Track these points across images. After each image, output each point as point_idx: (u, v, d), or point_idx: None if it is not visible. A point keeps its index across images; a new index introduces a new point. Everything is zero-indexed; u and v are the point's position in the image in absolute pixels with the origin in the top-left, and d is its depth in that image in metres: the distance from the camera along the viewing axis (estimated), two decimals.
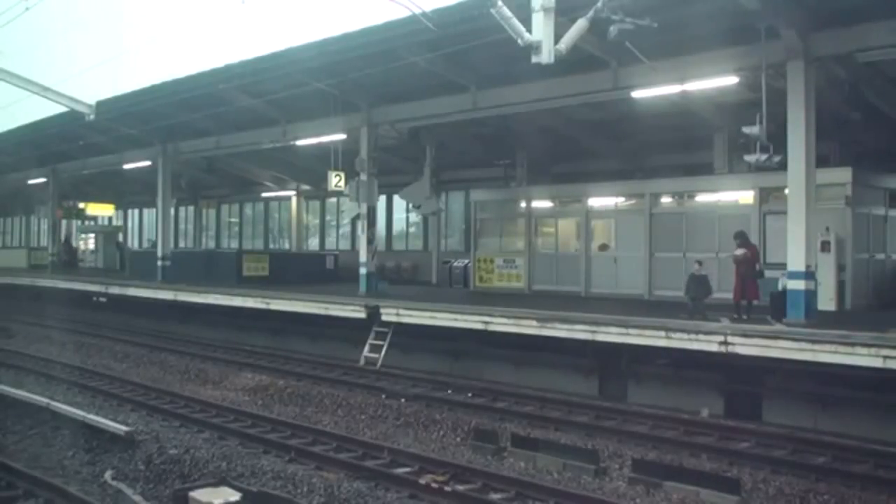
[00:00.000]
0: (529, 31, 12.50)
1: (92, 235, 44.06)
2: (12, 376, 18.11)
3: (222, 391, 17.28)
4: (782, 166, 14.68)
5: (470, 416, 14.11)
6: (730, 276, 16.38)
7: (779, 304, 14.70)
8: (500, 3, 12.57)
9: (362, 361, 18.96)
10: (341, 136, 22.63)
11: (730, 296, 15.90)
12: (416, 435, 13.45)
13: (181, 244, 42.73)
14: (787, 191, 15.11)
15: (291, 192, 37.00)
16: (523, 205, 24.60)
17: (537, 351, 16.83)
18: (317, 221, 37.76)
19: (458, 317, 17.54)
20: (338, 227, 36.01)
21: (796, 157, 14.32)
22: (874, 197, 19.19)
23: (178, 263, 30.14)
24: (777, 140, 14.52)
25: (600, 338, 14.99)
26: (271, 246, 39.56)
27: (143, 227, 47.12)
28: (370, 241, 22.60)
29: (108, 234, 44.02)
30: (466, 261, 26.38)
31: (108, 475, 10.54)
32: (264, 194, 38.45)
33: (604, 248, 23.01)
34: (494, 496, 9.90)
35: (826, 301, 16.73)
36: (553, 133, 23.28)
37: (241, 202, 40.88)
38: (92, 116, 24.57)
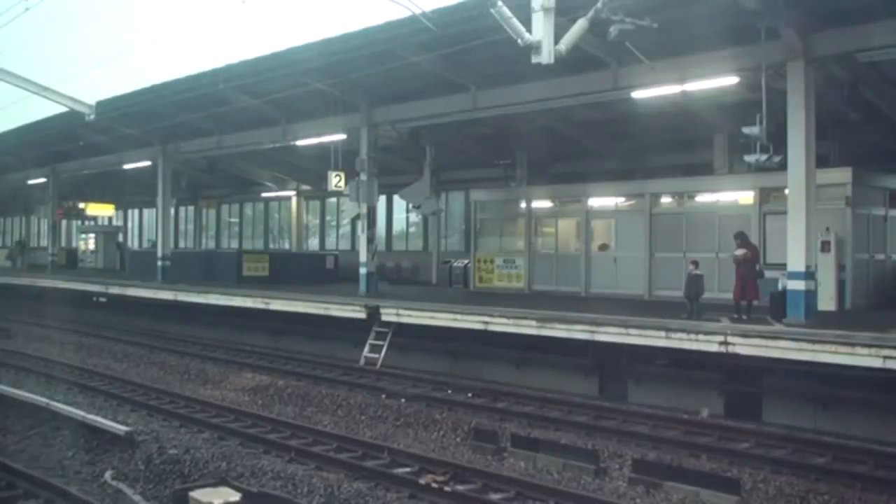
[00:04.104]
0: (529, 31, 12.51)
1: (92, 236, 44.04)
2: (12, 376, 18.12)
3: (222, 391, 17.28)
4: (782, 166, 14.67)
5: (470, 416, 14.10)
6: (730, 276, 16.38)
7: (779, 305, 14.72)
8: (500, 3, 12.58)
9: (362, 361, 18.96)
10: (341, 136, 22.61)
11: (730, 296, 15.91)
12: (416, 435, 13.45)
13: (181, 244, 42.72)
14: (787, 191, 15.11)
15: (291, 192, 36.99)
16: (523, 205, 24.60)
17: (537, 351, 16.84)
18: (317, 221, 37.75)
19: (458, 317, 17.54)
20: (338, 227, 36.00)
21: (796, 157, 14.32)
22: (874, 197, 19.19)
23: (178, 263, 30.14)
24: (777, 140, 14.51)
25: (600, 338, 15.00)
26: (271, 246, 39.55)
27: (143, 227, 47.12)
28: (370, 241, 22.60)
29: (108, 235, 44.03)
30: (466, 261, 26.38)
31: (108, 475, 10.54)
32: (264, 194, 38.44)
33: (604, 248, 23.02)
34: (494, 496, 9.90)
35: (826, 301, 16.73)
36: (553, 133, 23.28)
37: (241, 202, 40.88)
38: (92, 116, 24.57)
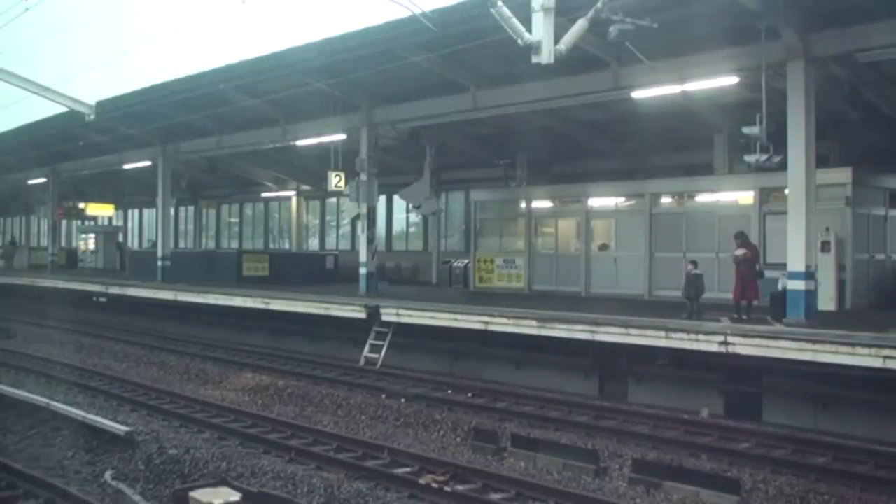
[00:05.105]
0: (529, 31, 12.51)
1: (92, 236, 44.05)
2: (12, 376, 18.12)
3: (222, 391, 17.28)
4: (782, 166, 14.68)
5: (470, 416, 14.10)
6: (730, 276, 16.38)
7: (779, 304, 14.71)
8: (500, 3, 12.58)
9: (362, 361, 18.96)
10: (341, 136, 22.62)
11: (730, 296, 15.90)
12: (416, 435, 13.45)
13: (181, 244, 42.73)
14: (787, 191, 15.11)
15: (291, 192, 37.00)
16: (523, 205, 24.59)
17: (537, 351, 16.83)
18: (317, 221, 37.76)
19: (458, 317, 17.53)
20: (338, 227, 36.01)
21: (796, 157, 14.32)
22: (874, 197, 19.18)
23: (178, 263, 30.14)
24: (777, 140, 14.52)
25: (600, 338, 14.99)
26: (271, 246, 39.56)
27: (143, 227, 47.13)
28: (370, 241, 22.60)
29: (108, 235, 44.03)
30: (466, 261, 26.37)
31: (108, 475, 10.54)
32: (264, 194, 38.45)
33: (604, 248, 23.01)
34: (494, 496, 9.90)
35: (826, 301, 16.74)
36: (553, 133, 23.28)
37: (241, 202, 40.88)
38: (92, 116, 24.53)
